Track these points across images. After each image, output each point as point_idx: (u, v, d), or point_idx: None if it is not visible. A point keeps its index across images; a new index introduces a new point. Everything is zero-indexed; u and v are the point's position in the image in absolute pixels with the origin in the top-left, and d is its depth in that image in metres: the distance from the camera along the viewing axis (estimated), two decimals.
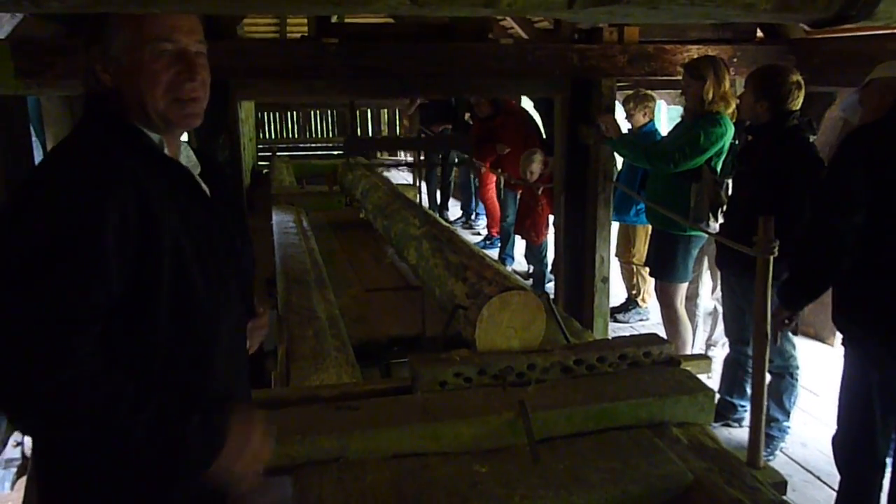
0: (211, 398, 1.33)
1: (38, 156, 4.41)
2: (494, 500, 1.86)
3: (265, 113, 13.47)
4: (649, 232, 5.02)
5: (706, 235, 3.65)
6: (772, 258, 2.42)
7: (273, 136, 13.61)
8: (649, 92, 4.68)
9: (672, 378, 2.39)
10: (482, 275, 2.70)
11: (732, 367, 3.46)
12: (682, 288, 3.82)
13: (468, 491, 1.89)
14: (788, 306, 2.52)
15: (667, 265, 3.74)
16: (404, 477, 1.94)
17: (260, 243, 5.80)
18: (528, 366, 2.36)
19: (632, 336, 2.69)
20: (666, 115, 12.00)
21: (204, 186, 1.38)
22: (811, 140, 3.07)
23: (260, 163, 11.50)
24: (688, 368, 2.51)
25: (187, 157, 1.40)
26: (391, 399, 2.27)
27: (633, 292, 5.34)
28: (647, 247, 5.05)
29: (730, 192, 3.44)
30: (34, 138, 4.28)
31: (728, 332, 3.48)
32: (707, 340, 4.45)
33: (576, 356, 2.43)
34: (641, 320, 5.28)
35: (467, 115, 7.71)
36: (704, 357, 2.64)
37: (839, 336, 4.26)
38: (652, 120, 4.73)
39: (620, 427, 2.22)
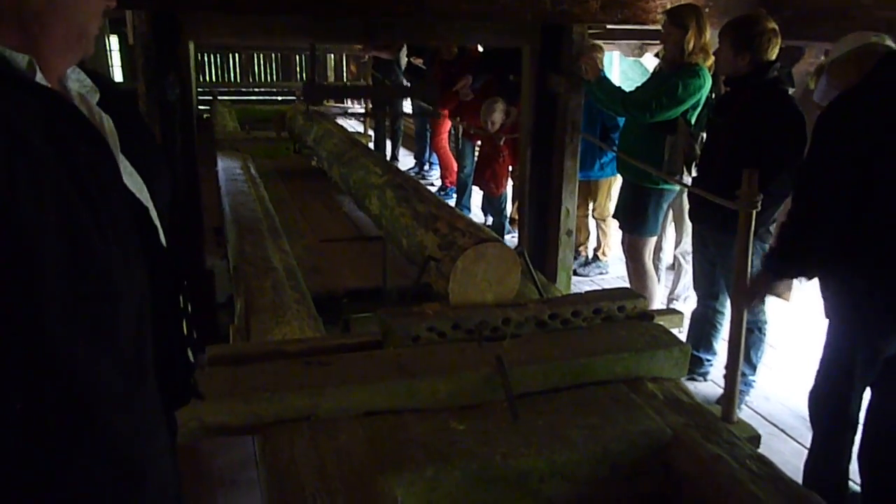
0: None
1: None
2: (476, 459, 1.80)
3: (205, 54, 12.91)
4: (611, 186, 5.00)
5: (677, 189, 3.62)
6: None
7: (214, 79, 13.07)
8: (598, 42, 4.58)
9: (647, 333, 2.37)
10: (454, 225, 2.60)
11: (700, 322, 3.47)
12: (651, 242, 3.81)
13: (448, 449, 1.83)
14: (776, 274, 2.50)
15: (637, 218, 3.70)
16: (380, 435, 1.86)
17: (205, 190, 5.59)
18: (503, 320, 2.30)
19: (605, 290, 2.66)
20: (618, 68, 12.02)
21: (105, 120, 1.06)
22: (790, 92, 3.03)
23: (200, 107, 11.07)
24: (661, 323, 2.50)
25: (79, 82, 1.08)
26: (363, 354, 2.17)
27: (594, 246, 5.32)
28: (607, 200, 5.04)
29: (703, 144, 3.40)
30: None
31: (697, 287, 3.48)
32: (669, 294, 4.47)
33: (550, 310, 2.38)
34: (601, 274, 5.27)
35: (419, 61, 7.47)
36: (676, 312, 2.62)
37: (795, 290, 4.36)
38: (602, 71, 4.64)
39: (597, 382, 2.20)
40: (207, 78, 13.05)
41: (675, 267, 4.54)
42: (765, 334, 3.23)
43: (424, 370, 2.06)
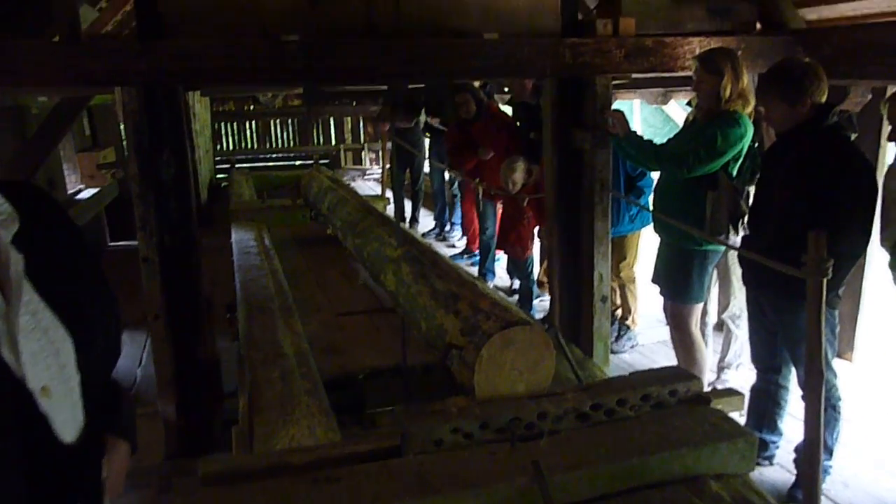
0: None
1: None
2: None
3: (223, 123, 12.98)
4: (639, 241, 4.67)
5: (723, 249, 3.29)
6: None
7: (231, 148, 13.11)
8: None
9: (705, 421, 2.06)
10: (477, 306, 2.32)
11: (761, 399, 3.09)
12: (698, 309, 3.45)
13: None
14: None
15: (680, 284, 3.36)
16: None
17: (219, 264, 5.44)
18: (538, 415, 2.01)
19: (652, 371, 2.35)
20: (639, 115, 11.84)
21: (13, 262, 0.83)
22: (852, 138, 2.72)
23: (218, 175, 11.06)
24: (718, 407, 2.18)
25: None
26: (378, 465, 1.88)
27: (622, 314, 4.82)
28: (636, 259, 4.70)
29: (751, 200, 3.09)
30: None
31: (756, 359, 3.12)
32: (719, 363, 4.08)
33: (592, 400, 2.09)
34: (633, 346, 4.76)
35: (436, 121, 7.33)
36: (736, 393, 2.29)
37: (858, 349, 3.99)
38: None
39: (652, 485, 1.91)
40: (225, 146, 13.08)
41: (722, 329, 4.14)
42: (840, 412, 2.85)
43: (449, 484, 1.77)
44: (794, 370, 2.95)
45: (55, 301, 0.83)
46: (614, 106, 3.48)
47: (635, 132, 3.28)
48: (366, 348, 3.58)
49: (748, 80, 3.12)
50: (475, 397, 2.11)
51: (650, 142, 3.27)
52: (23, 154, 3.69)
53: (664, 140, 3.51)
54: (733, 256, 3.66)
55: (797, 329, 2.64)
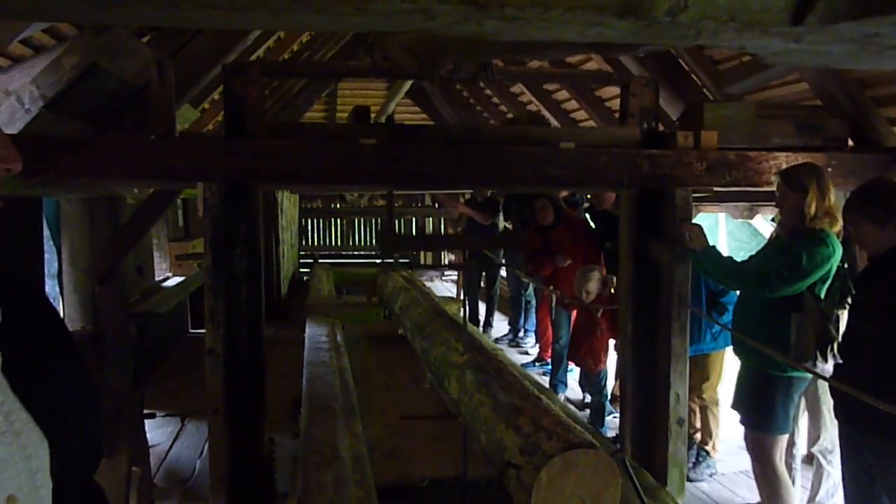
0: None
1: (51, 260, 4.13)
2: None
3: (309, 219, 13.47)
4: (724, 361, 4.40)
5: (810, 377, 3.04)
6: None
7: (316, 243, 13.52)
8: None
9: None
10: (539, 423, 2.18)
11: None
12: (783, 440, 3.17)
13: None
14: None
15: (763, 412, 3.10)
16: None
17: (291, 358, 5.48)
18: None
19: None
20: (724, 228, 11.55)
21: None
22: None
23: (301, 269, 11.37)
24: None
25: None
26: None
27: (701, 439, 4.45)
28: (720, 379, 4.42)
29: (843, 327, 2.87)
30: (49, 242, 4.01)
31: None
32: (809, 502, 3.71)
33: None
34: (713, 475, 4.37)
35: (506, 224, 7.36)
36: None
37: None
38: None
39: None
40: (310, 241, 13.51)
41: (812, 464, 3.77)
42: None
43: None
44: None
45: (32, 400, 0.78)
46: (697, 219, 3.36)
47: (714, 247, 3.14)
48: (428, 455, 3.46)
49: (835, 198, 2.96)
50: None
51: (730, 259, 3.12)
52: (114, 241, 3.86)
53: (748, 256, 3.35)
54: (824, 385, 3.38)
55: None
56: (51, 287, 4.35)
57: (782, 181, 2.98)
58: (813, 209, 2.91)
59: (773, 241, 3.28)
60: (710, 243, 3.12)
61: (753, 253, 3.31)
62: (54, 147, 2.61)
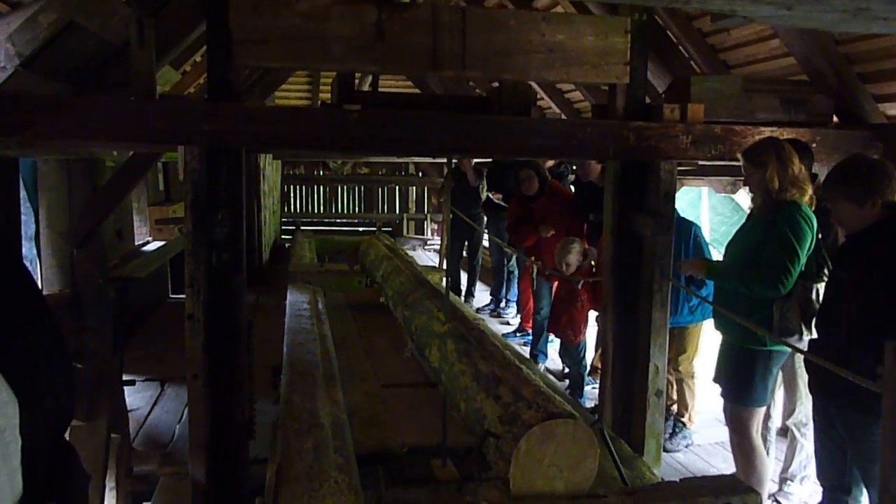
0: None
1: (28, 222, 4.07)
2: None
3: (291, 186, 13.37)
4: (700, 334, 4.45)
5: (789, 350, 3.08)
6: None
7: (299, 210, 13.44)
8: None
9: None
10: (519, 393, 2.20)
11: None
12: (760, 413, 3.22)
13: None
14: None
15: (742, 386, 3.15)
16: None
17: (272, 324, 5.46)
18: None
19: (707, 479, 2.17)
20: (707, 203, 11.60)
21: None
22: None
23: (283, 236, 11.30)
24: None
25: None
26: None
27: (677, 410, 4.54)
28: (697, 352, 4.48)
29: (820, 300, 2.91)
30: (27, 204, 3.94)
31: (822, 476, 2.86)
32: (782, 473, 3.77)
33: None
34: (689, 446, 4.46)
35: (497, 196, 7.32)
36: None
37: None
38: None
39: None
40: (292, 208, 13.43)
41: (787, 436, 3.84)
42: None
43: None
44: (865, 492, 2.68)
45: (2, 360, 0.77)
46: (680, 193, 3.38)
47: (713, 263, 3.25)
48: (408, 422, 3.48)
49: (799, 168, 2.98)
50: (510, 492, 1.98)
51: (732, 267, 3.18)
52: (93, 203, 3.80)
53: (731, 229, 3.38)
54: (801, 359, 3.43)
55: (870, 447, 2.41)
56: (28, 249, 4.28)
57: (744, 160, 3.02)
58: (777, 183, 2.94)
59: (747, 220, 3.32)
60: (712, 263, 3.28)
61: (734, 235, 3.33)
62: (32, 107, 2.54)
